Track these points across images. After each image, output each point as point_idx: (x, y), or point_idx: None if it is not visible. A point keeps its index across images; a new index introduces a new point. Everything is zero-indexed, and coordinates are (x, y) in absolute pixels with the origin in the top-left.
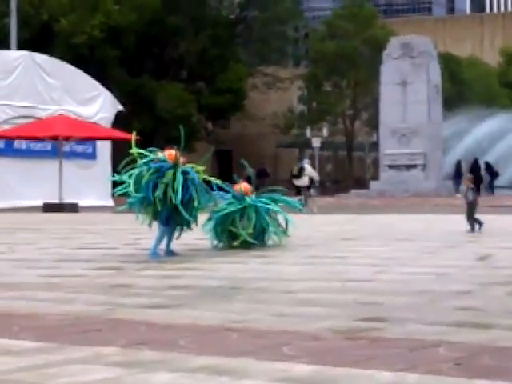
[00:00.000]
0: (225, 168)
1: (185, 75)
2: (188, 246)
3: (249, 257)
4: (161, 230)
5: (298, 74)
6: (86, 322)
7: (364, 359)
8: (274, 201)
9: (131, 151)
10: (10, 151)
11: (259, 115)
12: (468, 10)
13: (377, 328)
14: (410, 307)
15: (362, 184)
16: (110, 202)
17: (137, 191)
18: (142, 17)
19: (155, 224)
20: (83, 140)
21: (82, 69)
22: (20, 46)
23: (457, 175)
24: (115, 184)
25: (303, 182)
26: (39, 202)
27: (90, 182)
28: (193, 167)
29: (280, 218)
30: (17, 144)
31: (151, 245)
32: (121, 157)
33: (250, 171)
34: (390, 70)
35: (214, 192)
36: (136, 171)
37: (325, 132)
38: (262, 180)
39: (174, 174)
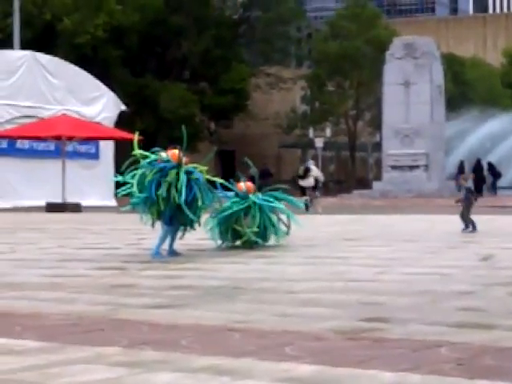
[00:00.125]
0: (228, 168)
1: (188, 75)
2: (191, 246)
3: (251, 257)
4: (164, 230)
5: (300, 74)
6: (88, 322)
7: (366, 359)
8: (277, 199)
9: (134, 152)
10: (12, 151)
11: (262, 115)
12: (471, 11)
13: (379, 328)
14: (412, 307)
15: (364, 184)
16: (113, 202)
17: (140, 191)
18: (145, 17)
19: (158, 224)
20: (86, 140)
21: (85, 69)
22: (23, 46)
23: (459, 176)
24: (118, 184)
25: (309, 182)
26: (42, 202)
27: (93, 181)
28: (195, 167)
29: (283, 216)
30: (20, 144)
31: (154, 245)
32: (124, 157)
33: (254, 171)
34: (393, 71)
35: (218, 191)
36: (139, 171)
37: (328, 132)
38: (265, 180)
39: (177, 173)
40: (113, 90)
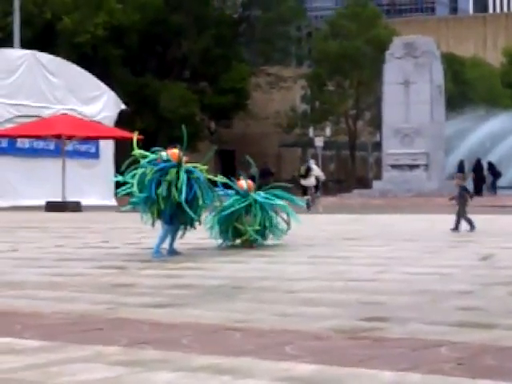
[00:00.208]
0: (228, 167)
1: (188, 75)
2: (191, 246)
3: (251, 256)
4: (164, 230)
5: (300, 73)
6: (88, 321)
7: (366, 359)
8: (277, 197)
9: (133, 152)
10: (12, 150)
11: (262, 115)
12: (471, 10)
13: (379, 328)
14: (412, 307)
15: (364, 184)
16: (113, 202)
17: (140, 191)
18: (145, 16)
19: (158, 223)
20: (86, 139)
21: (85, 68)
22: (23, 45)
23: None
24: (118, 184)
25: (310, 182)
26: (42, 201)
27: (93, 181)
28: (195, 166)
29: (283, 214)
30: (20, 143)
31: (154, 244)
32: (124, 156)
33: (255, 170)
34: (393, 70)
35: (218, 189)
36: (139, 171)
37: (328, 131)
38: (265, 179)
39: (178, 172)
40: (113, 89)
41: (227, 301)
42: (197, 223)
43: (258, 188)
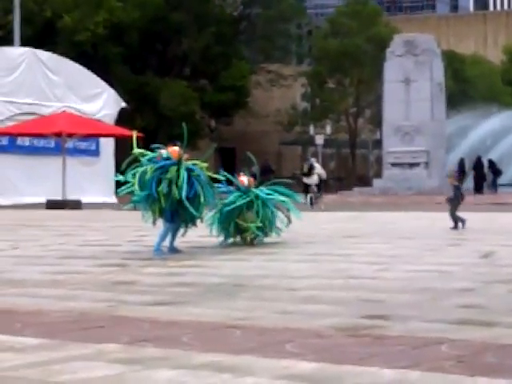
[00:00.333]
0: (228, 165)
1: (188, 72)
2: (192, 243)
3: (252, 254)
4: (165, 227)
5: (301, 71)
6: (89, 319)
7: (367, 356)
8: (277, 193)
9: (133, 151)
10: (13, 148)
11: (262, 112)
12: (471, 8)
13: (380, 326)
14: (412, 305)
15: (365, 182)
16: (113, 199)
17: (141, 189)
18: (146, 14)
19: (159, 221)
20: (86, 137)
21: (85, 66)
22: (23, 43)
23: (460, 173)
24: (119, 183)
25: (313, 180)
26: (42, 199)
27: (94, 178)
28: (195, 164)
29: (284, 209)
30: (20, 141)
31: (155, 242)
32: (124, 154)
33: (256, 168)
34: (394, 68)
35: (221, 185)
36: (140, 170)
37: (328, 129)
38: (266, 176)
39: (178, 170)
40: (113, 87)
41: (228, 299)
42: (198, 220)
43: (259, 185)
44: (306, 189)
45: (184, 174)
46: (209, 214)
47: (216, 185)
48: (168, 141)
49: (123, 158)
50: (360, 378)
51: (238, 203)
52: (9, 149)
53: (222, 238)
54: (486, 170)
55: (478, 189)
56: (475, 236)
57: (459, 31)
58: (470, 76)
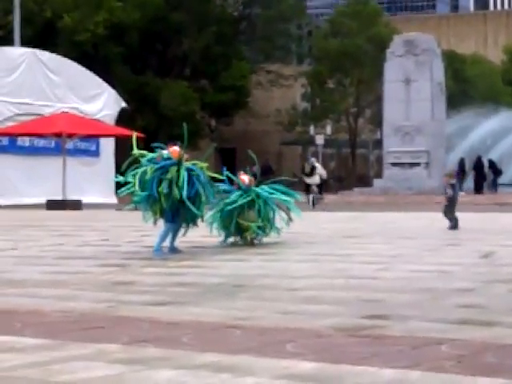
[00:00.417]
0: (228, 165)
1: (188, 73)
2: (192, 244)
3: (252, 254)
4: (166, 227)
5: (301, 71)
6: (89, 319)
7: (367, 356)
8: (276, 190)
9: (133, 152)
10: (13, 148)
11: (263, 113)
12: (472, 8)
13: (380, 325)
14: (412, 305)
15: (365, 181)
16: (114, 199)
17: (142, 190)
18: (146, 14)
19: (160, 221)
20: (87, 137)
21: (85, 66)
22: (24, 43)
23: (460, 173)
24: (119, 184)
25: (315, 180)
26: (42, 199)
27: (94, 179)
28: (195, 164)
29: (284, 207)
30: (20, 141)
31: (155, 242)
32: (124, 154)
33: (257, 168)
34: (394, 68)
35: (223, 184)
36: (140, 170)
37: (328, 129)
38: (266, 176)
39: (178, 170)
40: (113, 87)
41: (228, 299)
42: (199, 220)
43: (258, 184)
44: (307, 189)
45: (184, 174)
46: (209, 213)
47: (217, 184)
48: (168, 141)
49: (123, 159)
50: (360, 378)
51: (239, 202)
52: (9, 149)
53: (222, 237)
54: (486, 169)
55: (478, 189)
56: (475, 236)
57: (459, 31)
58: (470, 76)
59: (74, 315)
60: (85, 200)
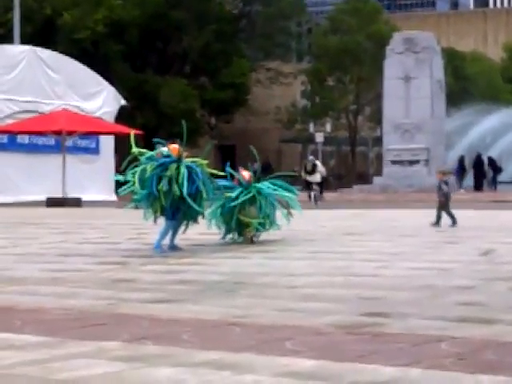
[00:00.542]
0: (226, 164)
1: (188, 70)
2: (191, 241)
3: (252, 252)
4: (166, 225)
5: (301, 69)
6: (89, 317)
7: (367, 354)
8: (276, 185)
9: (132, 151)
10: (13, 146)
11: (262, 110)
12: (471, 6)
13: (379, 323)
14: (412, 302)
15: (365, 179)
16: (113, 197)
17: (142, 187)
18: (146, 11)
19: (161, 219)
20: (86, 135)
21: (85, 64)
22: (23, 41)
23: (460, 170)
24: (119, 183)
25: (316, 178)
26: (42, 197)
27: (93, 176)
28: (194, 161)
29: (284, 202)
30: (20, 139)
31: (155, 239)
32: (124, 151)
33: (258, 165)
34: (394, 65)
35: (219, 180)
36: (139, 168)
37: (328, 127)
38: (266, 174)
39: (178, 167)
40: (113, 84)
41: (228, 296)
42: (200, 217)
43: (259, 180)
44: (307, 186)
45: (184, 171)
46: (209, 210)
47: (217, 180)
48: (168, 138)
49: (123, 156)
50: (360, 376)
51: (240, 199)
52: (9, 147)
53: (222, 233)
54: (485, 167)
55: (478, 186)
56: (475, 233)
57: (459, 29)
58: (469, 73)
59: (74, 313)
60: (84, 197)
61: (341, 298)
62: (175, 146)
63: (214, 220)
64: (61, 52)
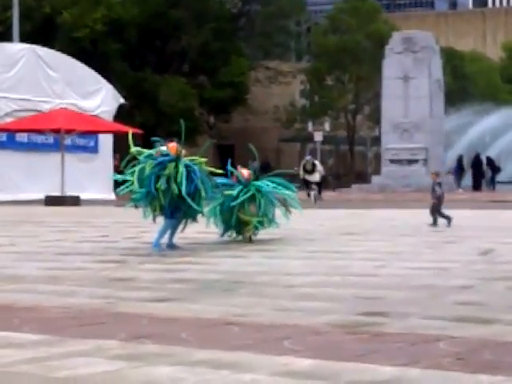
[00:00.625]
0: (227, 162)
1: (187, 69)
2: (190, 240)
3: (251, 251)
4: (165, 224)
5: (300, 68)
6: (88, 315)
7: (365, 353)
8: (275, 183)
9: (130, 150)
10: (11, 144)
11: (261, 109)
12: (470, 5)
13: (378, 322)
14: (411, 302)
15: (363, 178)
16: (112, 196)
17: (141, 186)
18: (145, 10)
19: (159, 218)
20: (85, 133)
21: (84, 62)
22: (22, 39)
23: (458, 170)
24: (117, 182)
25: (315, 177)
26: (41, 195)
27: (92, 175)
28: (192, 160)
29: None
30: (19, 137)
31: (154, 238)
32: (123, 150)
33: (257, 163)
34: (393, 65)
35: (217, 178)
36: (138, 167)
37: (327, 126)
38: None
39: (176, 166)
40: (112, 83)
41: (226, 295)
42: (199, 215)
43: (257, 178)
44: (306, 185)
45: (183, 170)
46: (207, 208)
47: (216, 178)
48: (167, 137)
49: (123, 156)
50: (358, 375)
51: (240, 198)
52: (7, 145)
53: (220, 231)
54: (484, 167)
55: (477, 186)
56: (474, 233)
57: (458, 28)
58: (468, 73)
59: (73, 311)
60: (83, 196)
61: (339, 298)
62: (173, 145)
63: (213, 218)
64: (60, 50)
